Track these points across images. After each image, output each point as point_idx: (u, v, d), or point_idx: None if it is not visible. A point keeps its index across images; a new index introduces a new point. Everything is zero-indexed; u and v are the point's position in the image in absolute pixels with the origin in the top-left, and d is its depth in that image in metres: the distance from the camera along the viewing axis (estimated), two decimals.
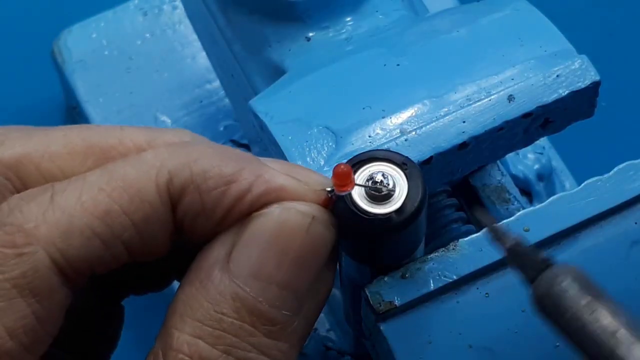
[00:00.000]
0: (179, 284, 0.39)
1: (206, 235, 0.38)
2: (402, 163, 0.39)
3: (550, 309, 0.35)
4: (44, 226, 0.35)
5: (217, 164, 0.37)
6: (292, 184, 0.38)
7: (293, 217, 0.37)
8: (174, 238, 0.38)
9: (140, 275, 0.43)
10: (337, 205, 0.38)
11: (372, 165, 0.39)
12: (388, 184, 0.38)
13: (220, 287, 0.37)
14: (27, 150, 0.38)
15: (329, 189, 0.38)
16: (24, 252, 0.35)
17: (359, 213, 0.38)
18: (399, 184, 0.38)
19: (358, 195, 0.38)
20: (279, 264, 0.37)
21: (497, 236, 0.38)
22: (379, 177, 0.38)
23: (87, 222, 0.36)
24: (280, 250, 0.37)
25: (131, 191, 0.36)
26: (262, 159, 0.39)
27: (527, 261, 0.36)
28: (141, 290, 0.44)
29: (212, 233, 0.38)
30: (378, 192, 0.38)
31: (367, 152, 0.39)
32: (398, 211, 0.38)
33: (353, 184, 0.38)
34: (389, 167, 0.39)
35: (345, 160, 0.44)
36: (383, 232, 0.38)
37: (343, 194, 0.38)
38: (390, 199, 0.38)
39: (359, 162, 0.39)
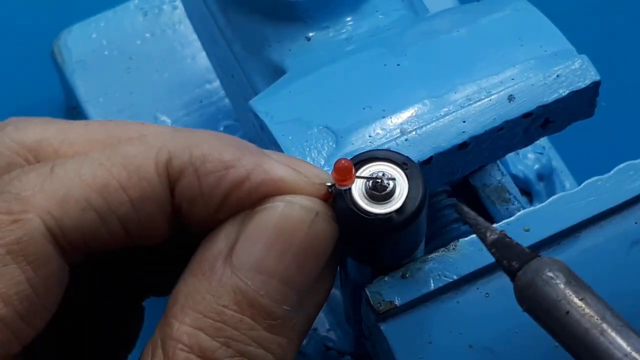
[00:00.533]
0: None
1: (205, 222, 0.38)
2: (403, 163, 0.39)
3: (535, 297, 0.35)
4: (40, 195, 0.36)
5: (217, 149, 0.37)
6: (291, 176, 0.38)
7: (296, 212, 0.37)
8: (172, 223, 0.38)
9: (159, 275, 0.43)
10: (338, 205, 0.38)
11: (372, 165, 0.39)
12: (388, 184, 0.38)
13: (223, 279, 0.37)
14: (47, 135, 0.39)
15: (329, 184, 0.38)
16: (20, 218, 0.35)
17: (360, 213, 0.38)
18: (400, 183, 0.38)
19: (358, 195, 0.38)
20: (281, 258, 0.37)
21: (479, 228, 0.38)
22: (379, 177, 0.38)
23: (83, 193, 0.36)
24: (283, 245, 0.37)
25: (130, 168, 0.37)
26: (265, 150, 0.39)
27: (512, 253, 0.37)
28: (161, 292, 0.44)
29: (211, 220, 0.38)
30: (378, 192, 0.38)
31: (367, 151, 0.39)
32: (398, 211, 0.38)
33: (353, 178, 0.38)
34: (390, 166, 0.39)
35: None
36: (383, 232, 0.38)
37: (344, 188, 0.38)
38: (391, 199, 0.38)
39: (359, 161, 0.39)
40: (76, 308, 0.40)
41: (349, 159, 0.39)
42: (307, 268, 0.38)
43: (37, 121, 0.40)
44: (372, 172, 0.39)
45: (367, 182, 0.38)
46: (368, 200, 0.38)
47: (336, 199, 0.38)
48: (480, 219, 0.38)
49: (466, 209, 0.38)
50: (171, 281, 0.43)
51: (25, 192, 0.36)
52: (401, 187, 0.38)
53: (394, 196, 0.38)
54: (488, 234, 0.38)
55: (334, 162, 0.44)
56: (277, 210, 0.37)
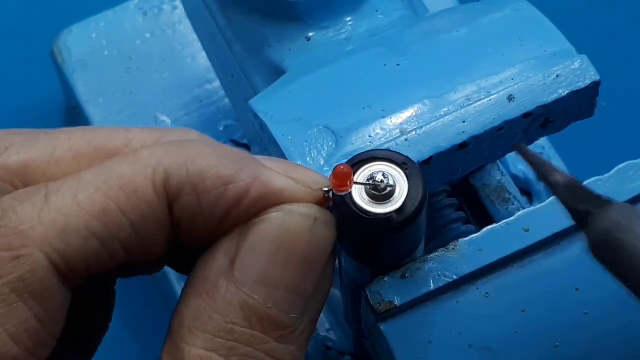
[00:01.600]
0: (171, 271, 0.38)
1: (204, 235, 0.37)
2: (403, 163, 0.39)
3: (612, 249, 0.32)
4: (40, 227, 0.35)
5: (214, 164, 0.37)
6: (289, 187, 0.38)
7: (296, 220, 0.37)
8: (170, 237, 0.37)
9: (132, 264, 0.43)
10: (338, 205, 0.38)
11: (372, 165, 0.39)
12: (388, 184, 0.38)
13: (228, 296, 0.36)
14: (32, 156, 0.38)
15: (326, 189, 0.38)
16: (21, 254, 0.35)
17: (360, 213, 0.38)
18: (400, 183, 0.38)
19: (358, 195, 0.38)
20: (285, 267, 0.37)
21: (546, 172, 0.35)
22: (379, 177, 0.38)
23: (84, 221, 0.35)
24: (286, 253, 0.37)
25: (128, 190, 0.36)
26: (259, 157, 0.38)
27: (581, 199, 0.33)
28: (130, 275, 0.44)
29: (210, 234, 0.37)
30: (378, 192, 0.38)
31: (367, 151, 0.39)
32: (398, 211, 0.38)
33: (352, 184, 0.38)
34: (390, 166, 0.39)
35: (345, 160, 0.44)
36: (383, 232, 0.38)
37: (342, 194, 0.38)
38: (391, 199, 0.38)
39: (359, 161, 0.39)
40: None
41: (348, 160, 0.39)
42: (310, 274, 0.37)
43: (17, 140, 0.38)
44: (372, 171, 0.39)
45: (368, 182, 0.38)
46: (368, 200, 0.38)
47: (336, 199, 0.38)
48: (546, 162, 0.35)
49: (528, 151, 0.35)
50: (142, 267, 0.43)
51: (23, 226, 0.35)
52: (401, 187, 0.38)
53: (394, 196, 0.38)
54: (556, 176, 0.34)
55: (334, 165, 0.44)
56: (276, 219, 0.37)
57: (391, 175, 0.38)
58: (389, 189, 0.38)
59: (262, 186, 0.37)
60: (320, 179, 0.38)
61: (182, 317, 0.37)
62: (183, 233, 0.37)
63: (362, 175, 0.39)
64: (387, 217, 0.38)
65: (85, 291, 0.42)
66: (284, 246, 0.37)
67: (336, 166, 0.38)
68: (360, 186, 0.38)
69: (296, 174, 0.38)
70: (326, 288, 0.39)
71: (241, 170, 0.37)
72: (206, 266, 0.37)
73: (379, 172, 0.38)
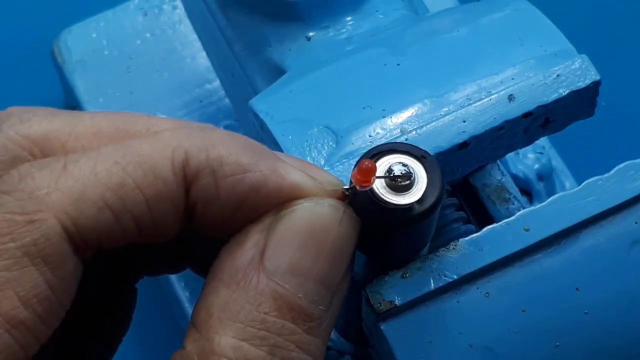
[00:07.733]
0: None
1: (217, 223, 0.37)
2: (422, 156, 0.39)
3: None
4: (55, 193, 0.35)
5: (234, 151, 0.37)
6: (306, 181, 0.38)
7: (327, 210, 0.37)
8: (183, 222, 0.37)
9: (154, 257, 0.43)
10: (358, 195, 0.38)
11: (391, 157, 0.39)
12: (410, 174, 0.38)
13: (260, 286, 0.36)
14: (53, 128, 0.38)
15: (346, 187, 0.38)
16: (35, 219, 0.35)
17: (380, 203, 0.38)
18: (419, 175, 0.38)
19: (379, 185, 0.38)
20: (316, 258, 0.37)
21: None
22: (399, 168, 0.38)
23: (100, 192, 0.35)
24: (316, 244, 0.37)
25: (146, 167, 0.36)
26: (277, 153, 0.39)
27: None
28: (155, 272, 0.44)
29: (223, 222, 0.37)
30: (399, 183, 0.38)
31: (386, 143, 0.39)
32: (419, 201, 0.38)
33: (374, 181, 0.38)
34: (409, 159, 0.39)
35: (346, 160, 0.44)
36: (404, 223, 0.38)
37: (364, 189, 0.38)
38: (411, 190, 0.38)
39: (379, 152, 0.39)
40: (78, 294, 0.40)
41: (366, 154, 0.39)
42: (338, 265, 0.37)
43: (41, 113, 0.39)
44: (390, 163, 0.38)
45: (386, 174, 0.38)
46: (388, 190, 0.38)
47: (356, 191, 0.38)
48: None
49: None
50: (165, 263, 0.43)
51: (40, 191, 0.35)
52: (421, 179, 0.38)
53: (413, 187, 0.38)
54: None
55: (334, 164, 0.44)
56: (307, 210, 0.37)
57: (411, 167, 0.38)
58: (408, 180, 0.38)
59: (280, 178, 0.37)
60: (333, 180, 0.39)
61: (211, 308, 0.36)
62: (196, 218, 0.37)
63: (380, 167, 0.38)
64: (408, 207, 0.38)
65: (111, 286, 0.42)
66: (314, 236, 0.37)
67: (361, 161, 0.38)
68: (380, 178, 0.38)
69: (311, 172, 0.38)
70: (345, 286, 0.39)
71: (260, 161, 0.37)
72: (234, 257, 0.37)
73: (399, 163, 0.38)
